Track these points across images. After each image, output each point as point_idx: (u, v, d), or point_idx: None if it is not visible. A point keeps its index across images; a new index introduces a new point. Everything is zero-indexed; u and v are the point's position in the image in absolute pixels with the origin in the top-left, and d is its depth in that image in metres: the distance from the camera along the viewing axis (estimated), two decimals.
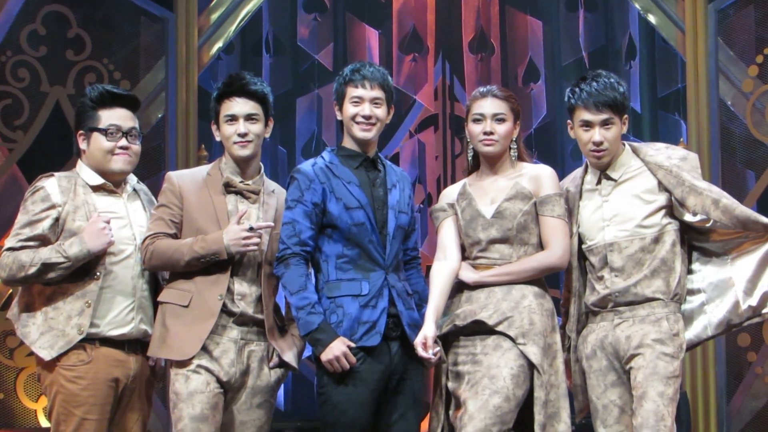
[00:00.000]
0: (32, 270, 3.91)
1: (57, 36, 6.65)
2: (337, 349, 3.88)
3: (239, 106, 4.07)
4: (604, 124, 4.01)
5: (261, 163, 4.19)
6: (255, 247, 3.97)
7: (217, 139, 4.15)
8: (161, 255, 3.98)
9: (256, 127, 4.08)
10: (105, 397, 3.96)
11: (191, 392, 3.90)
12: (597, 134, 4.01)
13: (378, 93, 4.07)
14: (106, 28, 6.78)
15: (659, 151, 4.08)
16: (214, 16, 7.13)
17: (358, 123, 4.07)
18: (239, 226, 3.95)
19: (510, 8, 7.51)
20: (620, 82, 4.06)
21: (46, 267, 3.91)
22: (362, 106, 4.06)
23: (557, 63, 7.46)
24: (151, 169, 6.62)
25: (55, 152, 6.24)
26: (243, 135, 4.05)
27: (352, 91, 4.07)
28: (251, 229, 3.95)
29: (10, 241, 3.99)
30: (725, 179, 6.64)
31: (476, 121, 4.11)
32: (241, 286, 4.01)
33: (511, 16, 7.51)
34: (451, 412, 4.04)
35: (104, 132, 4.06)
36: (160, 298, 4.04)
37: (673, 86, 7.17)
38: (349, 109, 4.07)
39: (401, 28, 7.50)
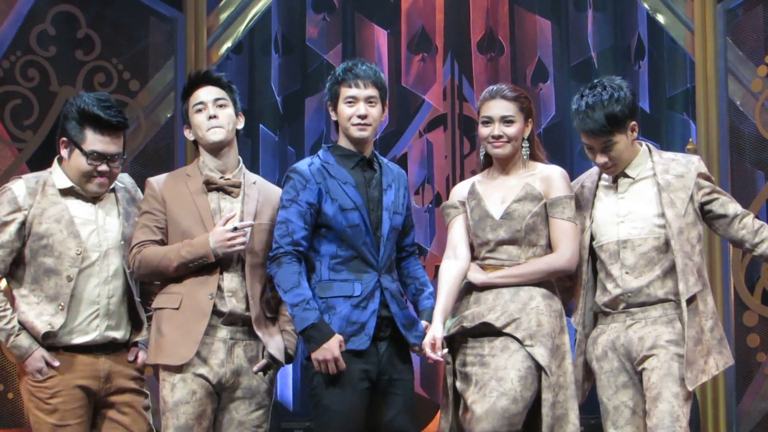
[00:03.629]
0: None
1: (66, 36, 6.66)
2: (329, 351, 3.86)
3: (206, 93, 4.07)
4: (605, 147, 3.96)
5: (239, 157, 4.16)
6: (242, 246, 3.95)
7: (190, 138, 4.12)
8: (149, 263, 3.96)
9: (226, 112, 4.07)
10: (77, 401, 3.93)
11: (176, 402, 3.90)
12: (599, 157, 3.99)
13: (372, 91, 4.06)
14: (116, 28, 6.79)
15: (663, 161, 4.04)
16: (223, 16, 7.13)
17: (354, 124, 4.05)
18: (223, 227, 3.93)
19: (519, 8, 7.50)
20: (620, 91, 3.94)
21: (7, 336, 3.89)
22: (357, 106, 4.04)
23: (566, 63, 7.45)
24: (161, 168, 6.61)
25: None
26: (213, 117, 4.04)
27: (346, 91, 4.05)
28: (235, 228, 3.94)
29: None
30: (734, 179, 6.62)
31: (485, 123, 4.09)
32: (231, 283, 3.99)
33: (520, 15, 7.50)
34: (460, 413, 4.04)
35: (86, 155, 3.97)
36: (153, 306, 4.03)
37: (682, 86, 7.15)
38: (345, 110, 4.06)
39: (410, 28, 7.49)
